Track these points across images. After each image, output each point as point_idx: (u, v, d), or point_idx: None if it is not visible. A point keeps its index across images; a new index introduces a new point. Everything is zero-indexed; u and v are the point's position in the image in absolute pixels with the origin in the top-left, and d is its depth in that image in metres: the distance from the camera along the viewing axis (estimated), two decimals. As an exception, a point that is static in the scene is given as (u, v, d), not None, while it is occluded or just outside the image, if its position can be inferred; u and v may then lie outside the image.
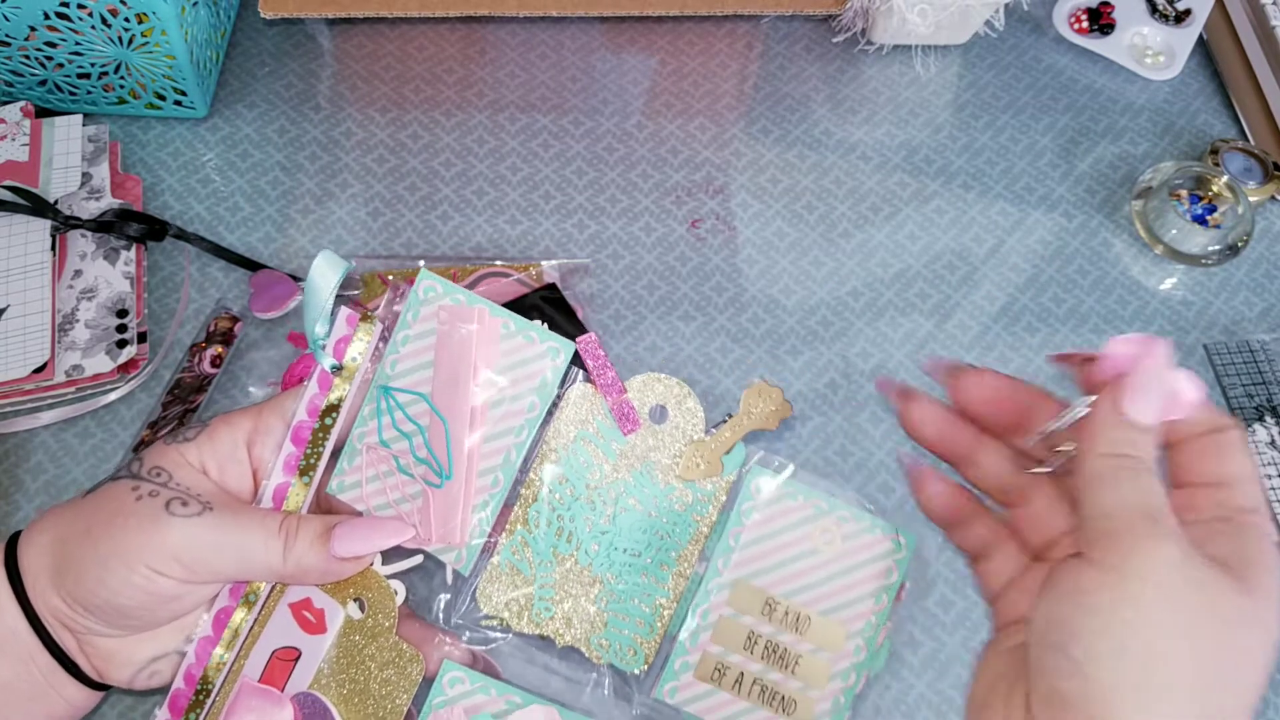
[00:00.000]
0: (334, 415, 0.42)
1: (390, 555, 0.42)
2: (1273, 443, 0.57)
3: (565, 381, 0.43)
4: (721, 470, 0.44)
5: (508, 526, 0.44)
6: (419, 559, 0.43)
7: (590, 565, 0.43)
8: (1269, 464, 0.56)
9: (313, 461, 0.42)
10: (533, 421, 0.42)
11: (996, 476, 0.38)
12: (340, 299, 0.43)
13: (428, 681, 0.42)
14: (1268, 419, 0.57)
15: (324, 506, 0.44)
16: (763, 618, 0.42)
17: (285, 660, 0.42)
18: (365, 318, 0.43)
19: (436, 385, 0.43)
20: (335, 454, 0.43)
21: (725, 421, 0.44)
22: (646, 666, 0.43)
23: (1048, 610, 0.32)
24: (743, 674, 0.42)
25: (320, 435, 0.42)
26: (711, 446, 0.44)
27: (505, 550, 0.43)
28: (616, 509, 0.44)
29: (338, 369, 0.43)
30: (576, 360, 0.43)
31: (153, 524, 0.38)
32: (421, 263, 0.59)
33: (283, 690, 0.41)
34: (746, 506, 0.43)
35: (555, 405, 0.44)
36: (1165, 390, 0.32)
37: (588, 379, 0.44)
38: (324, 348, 0.42)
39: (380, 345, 0.43)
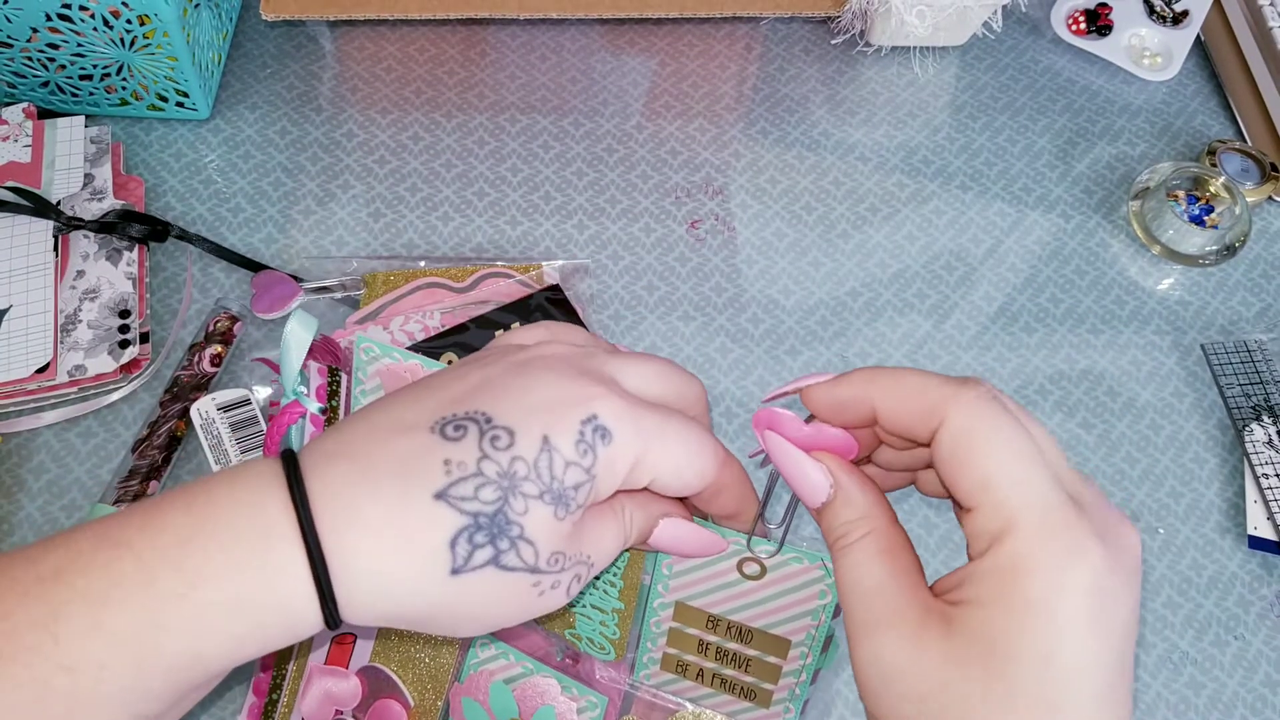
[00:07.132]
0: None
1: None
2: (1270, 442, 0.57)
3: None
4: None
5: None
6: None
7: None
8: (1267, 463, 0.56)
9: None
10: None
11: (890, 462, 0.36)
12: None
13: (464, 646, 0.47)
14: (1265, 419, 0.58)
15: None
16: (708, 630, 0.43)
17: (343, 645, 0.47)
18: (332, 371, 0.46)
19: None
20: None
21: None
22: (618, 659, 0.45)
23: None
24: (702, 670, 0.44)
25: None
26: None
27: None
28: None
29: (325, 410, 0.45)
30: None
31: None
32: (422, 263, 0.59)
33: (346, 669, 0.47)
34: None
35: None
36: (803, 466, 0.33)
37: None
38: (306, 394, 0.45)
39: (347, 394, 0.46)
